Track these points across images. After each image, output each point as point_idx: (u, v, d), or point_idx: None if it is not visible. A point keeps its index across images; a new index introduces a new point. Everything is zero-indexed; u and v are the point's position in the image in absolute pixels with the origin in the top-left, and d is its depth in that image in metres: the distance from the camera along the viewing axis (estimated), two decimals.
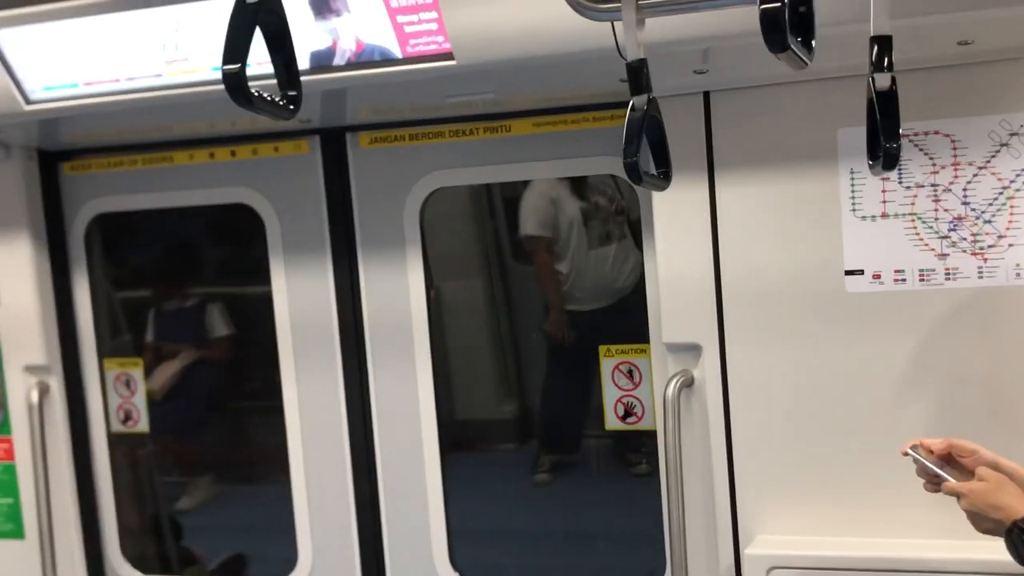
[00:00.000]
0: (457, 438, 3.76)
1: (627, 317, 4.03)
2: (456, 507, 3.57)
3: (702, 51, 2.57)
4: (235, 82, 1.53)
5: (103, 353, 3.90)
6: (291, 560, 3.71)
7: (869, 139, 1.95)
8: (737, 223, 2.82)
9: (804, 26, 1.60)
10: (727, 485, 2.90)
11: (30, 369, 3.72)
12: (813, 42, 1.63)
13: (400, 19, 2.64)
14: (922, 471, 2.18)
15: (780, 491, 2.86)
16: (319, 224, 3.54)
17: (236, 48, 1.54)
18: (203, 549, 4.28)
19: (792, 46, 1.54)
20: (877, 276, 2.74)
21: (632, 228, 3.96)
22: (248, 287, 4.17)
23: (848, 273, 2.75)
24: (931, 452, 2.18)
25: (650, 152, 2.08)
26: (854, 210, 2.74)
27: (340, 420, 3.59)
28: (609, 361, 3.36)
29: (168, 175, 3.68)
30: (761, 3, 1.50)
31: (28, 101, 3.02)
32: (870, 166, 1.96)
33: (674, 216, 2.88)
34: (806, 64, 1.63)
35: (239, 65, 1.53)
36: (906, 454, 2.19)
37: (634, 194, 3.89)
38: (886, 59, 1.85)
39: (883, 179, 2.70)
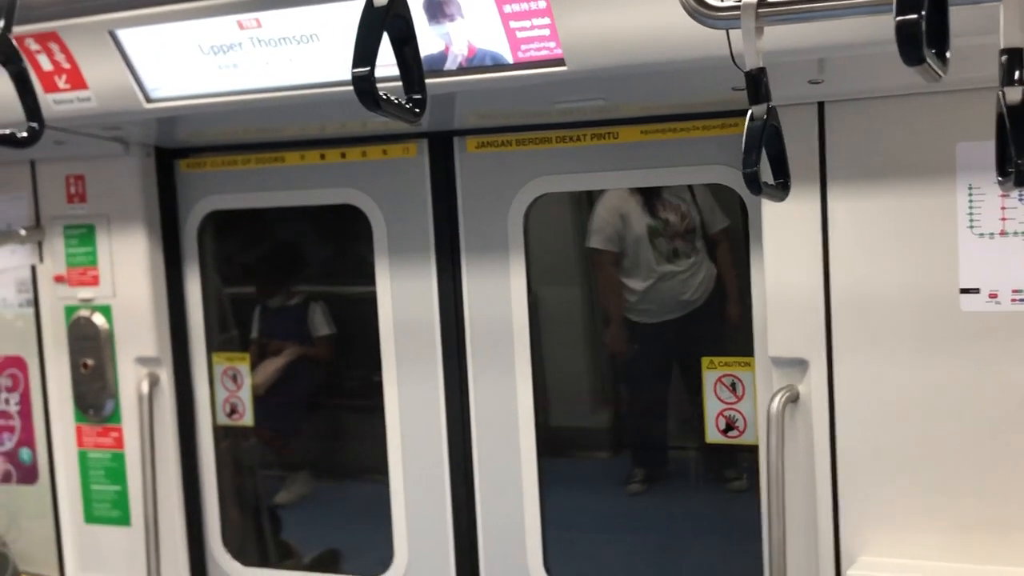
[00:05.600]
0: (551, 444, 3.75)
1: (699, 329, 4.02)
2: (550, 512, 3.57)
3: (818, 61, 2.52)
4: (364, 86, 1.55)
5: (212, 347, 3.99)
6: (385, 558, 3.74)
7: (999, 155, 1.89)
8: (849, 237, 2.77)
9: (939, 38, 1.56)
10: (830, 504, 2.85)
11: (141, 361, 3.81)
12: (947, 54, 1.59)
13: (512, 24, 2.65)
14: None
15: (885, 512, 2.79)
16: (424, 227, 3.57)
17: (365, 52, 1.56)
18: (299, 543, 4.35)
19: (927, 59, 1.50)
20: (994, 295, 2.66)
21: (707, 242, 3.93)
22: (350, 287, 4.23)
23: (963, 291, 2.68)
24: None
25: (768, 162, 2.05)
26: (971, 227, 2.67)
27: (439, 421, 3.61)
28: (712, 373, 3.32)
29: (279, 175, 3.75)
30: (897, 15, 1.47)
31: (149, 99, 3.09)
32: (999, 183, 1.90)
33: (784, 228, 2.83)
34: (940, 77, 1.59)
35: (368, 69, 1.55)
36: None
37: (712, 208, 3.87)
38: (1017, 72, 1.79)
39: (1002, 196, 2.63)
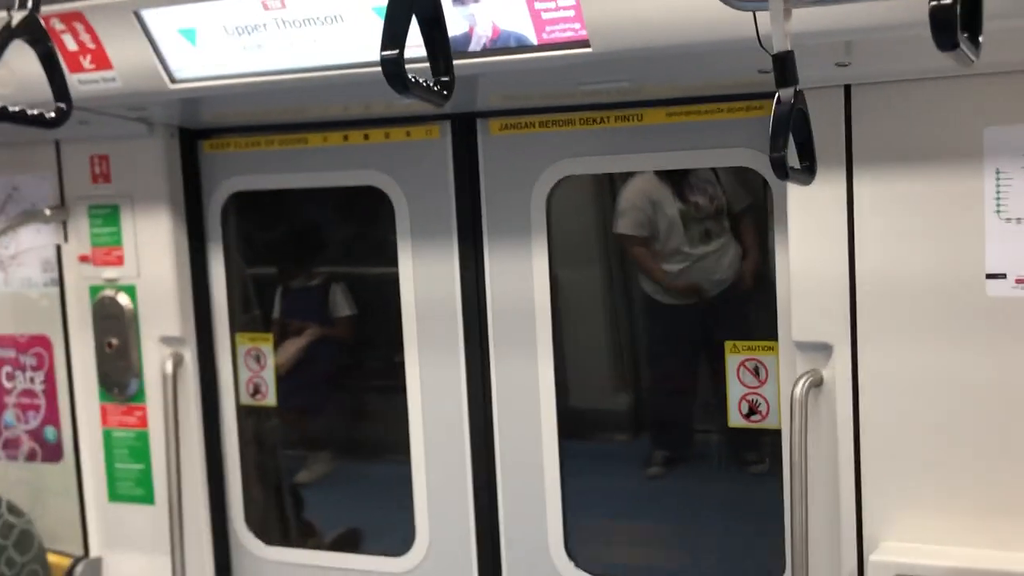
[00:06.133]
0: (573, 426, 3.75)
1: (728, 311, 4.01)
2: (570, 494, 3.58)
3: (845, 43, 2.51)
4: (393, 68, 1.54)
5: (235, 327, 4.01)
6: (407, 538, 3.76)
7: None
8: (875, 221, 2.75)
9: (971, 20, 1.54)
10: (853, 488, 2.84)
11: (165, 340, 3.83)
12: (980, 38, 1.58)
13: (537, 5, 2.64)
14: None
15: (908, 497, 2.78)
16: (447, 209, 3.57)
17: (394, 34, 1.55)
18: (320, 522, 4.38)
19: (961, 43, 1.49)
20: (1020, 281, 2.64)
21: (733, 224, 3.91)
22: (372, 268, 4.23)
23: (990, 277, 2.66)
24: None
25: (795, 146, 2.04)
26: (999, 212, 2.64)
27: (461, 403, 3.62)
28: (735, 357, 3.32)
29: (302, 156, 3.76)
30: None
31: (173, 80, 3.09)
32: None
33: (809, 212, 2.82)
34: (973, 61, 1.57)
35: (397, 51, 1.54)
36: None
37: (737, 190, 3.84)
38: None
39: None
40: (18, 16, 2.01)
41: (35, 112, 2.08)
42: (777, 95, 1.92)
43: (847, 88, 2.76)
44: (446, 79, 1.69)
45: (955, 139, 2.67)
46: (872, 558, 2.75)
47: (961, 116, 2.65)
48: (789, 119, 1.88)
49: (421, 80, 1.64)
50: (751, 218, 3.83)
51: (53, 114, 2.11)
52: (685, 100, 3.22)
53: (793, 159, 2.11)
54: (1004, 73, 2.52)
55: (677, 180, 3.96)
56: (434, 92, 1.67)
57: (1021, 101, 2.49)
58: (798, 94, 1.93)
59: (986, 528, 2.70)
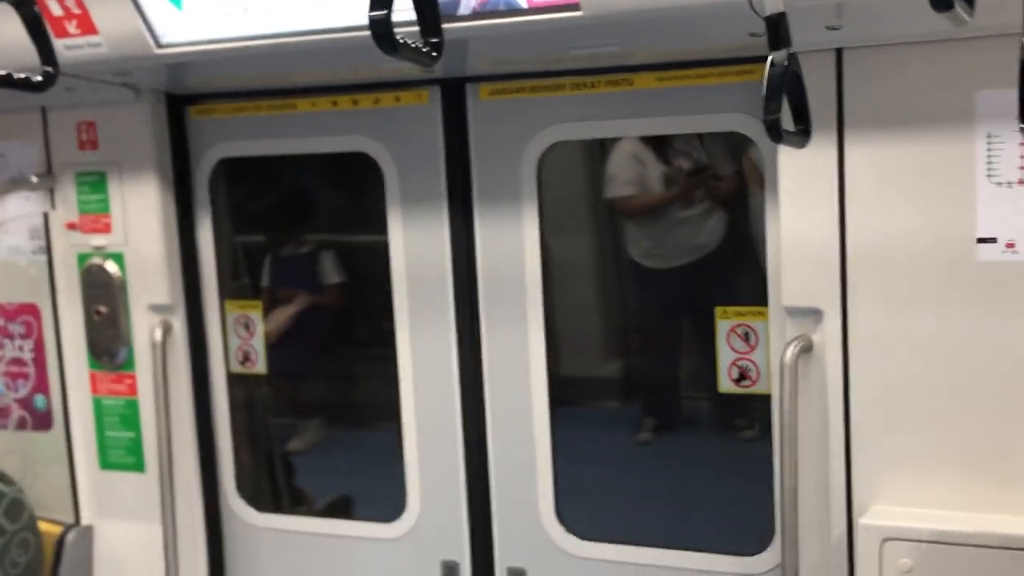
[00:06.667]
0: (563, 392, 3.76)
1: (712, 275, 4.01)
2: (561, 460, 3.58)
3: (836, 5, 2.49)
4: (381, 29, 1.53)
5: (224, 295, 3.99)
6: (398, 505, 3.77)
7: (1021, 102, 1.87)
8: (866, 185, 2.75)
9: None
10: (842, 453, 2.85)
11: (154, 308, 3.82)
12: None
13: None
14: None
15: (897, 461, 2.80)
16: (437, 175, 3.55)
17: None
18: (312, 489, 4.39)
19: (956, 4, 1.48)
20: (1011, 245, 2.64)
21: (717, 187, 3.91)
22: (361, 236, 4.22)
23: (980, 241, 2.66)
24: None
25: (789, 109, 2.03)
26: (989, 176, 2.64)
27: (451, 369, 3.62)
28: (725, 323, 3.32)
29: (290, 122, 3.73)
30: None
31: (159, 45, 3.06)
32: (1021, 130, 1.88)
33: (800, 177, 2.81)
34: (967, 21, 1.56)
35: (385, 12, 1.53)
36: None
37: (721, 152, 3.83)
38: None
39: (1022, 144, 2.60)
40: None
41: (22, 76, 2.06)
42: (770, 58, 1.91)
43: (838, 52, 2.74)
44: (435, 40, 1.68)
45: (947, 103, 2.66)
46: (861, 522, 2.76)
47: (953, 79, 2.64)
48: (782, 82, 1.87)
49: (410, 42, 1.62)
50: (738, 184, 3.82)
51: (40, 78, 2.09)
52: (676, 65, 3.19)
53: (787, 122, 2.10)
54: (997, 36, 2.50)
55: (660, 143, 3.95)
56: (423, 54, 1.66)
57: (1013, 64, 2.48)
58: (791, 57, 1.92)
59: (975, 492, 2.72)
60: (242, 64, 3.22)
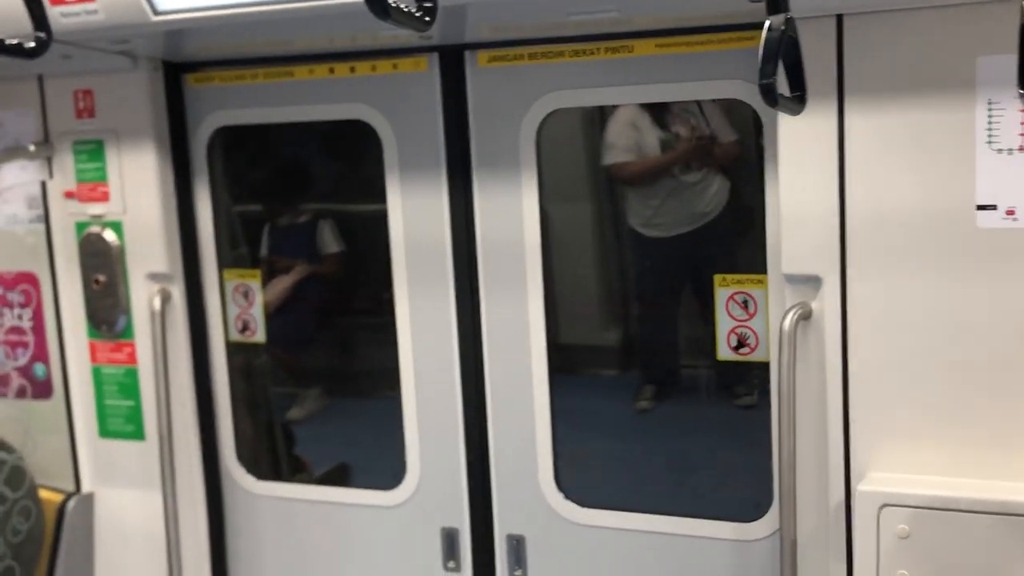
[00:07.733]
0: (562, 360, 3.76)
1: (711, 243, 4.00)
2: (560, 428, 3.59)
3: None
4: None
5: (223, 263, 3.99)
6: (398, 473, 3.78)
7: (1021, 68, 1.85)
8: (866, 152, 2.73)
9: None
10: (841, 420, 2.86)
11: (153, 277, 3.82)
12: None
13: None
14: None
15: (896, 428, 2.80)
16: (435, 143, 3.54)
17: None
18: (311, 458, 4.40)
19: None
20: (1011, 212, 2.63)
21: (717, 156, 3.89)
22: (360, 205, 4.21)
23: (980, 208, 2.65)
24: None
25: (785, 74, 2.02)
26: (990, 142, 2.63)
27: (451, 338, 3.62)
28: (724, 291, 3.32)
29: (288, 90, 3.71)
30: None
31: (155, 12, 3.05)
32: (1021, 96, 1.87)
33: (800, 144, 2.79)
34: None
35: None
36: None
37: (721, 119, 3.81)
38: None
39: (1022, 111, 2.58)
40: None
41: (14, 42, 2.05)
42: (768, 22, 1.90)
43: (839, 18, 2.72)
44: (429, 4, 1.67)
45: (948, 69, 2.64)
46: (860, 488, 2.77)
47: (954, 45, 2.62)
48: (779, 46, 1.86)
49: (403, 6, 1.61)
50: (738, 152, 3.80)
51: (33, 44, 2.08)
52: (675, 31, 3.17)
53: (783, 88, 2.09)
54: (997, 1, 2.49)
55: (658, 109, 3.93)
56: (415, 18, 1.65)
57: (1014, 30, 2.47)
58: (789, 21, 1.91)
59: (973, 458, 2.73)
60: (239, 31, 3.20)
